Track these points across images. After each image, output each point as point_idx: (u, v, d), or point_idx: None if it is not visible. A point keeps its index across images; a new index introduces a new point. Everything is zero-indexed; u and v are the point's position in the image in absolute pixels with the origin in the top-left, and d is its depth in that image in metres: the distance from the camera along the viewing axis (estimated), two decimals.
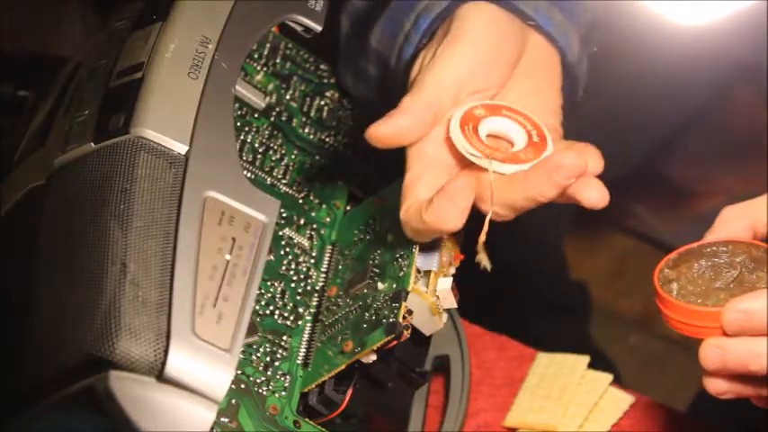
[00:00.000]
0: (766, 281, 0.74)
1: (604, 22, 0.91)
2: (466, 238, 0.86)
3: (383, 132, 0.77)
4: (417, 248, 0.82)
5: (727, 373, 0.73)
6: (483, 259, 0.80)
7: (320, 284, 0.87)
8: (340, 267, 0.87)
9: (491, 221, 0.77)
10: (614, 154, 1.31)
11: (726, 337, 0.72)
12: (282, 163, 0.90)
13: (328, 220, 0.90)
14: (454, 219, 0.75)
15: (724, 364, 0.72)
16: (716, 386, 0.74)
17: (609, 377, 0.95)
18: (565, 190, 0.76)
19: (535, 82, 0.83)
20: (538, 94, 0.83)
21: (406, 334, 0.78)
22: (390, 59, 0.86)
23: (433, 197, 0.76)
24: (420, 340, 0.83)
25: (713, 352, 0.73)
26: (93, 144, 0.76)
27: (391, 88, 0.86)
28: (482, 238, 0.78)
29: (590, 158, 0.77)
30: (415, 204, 0.77)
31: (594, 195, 0.76)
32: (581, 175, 0.76)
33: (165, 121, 0.76)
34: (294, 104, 0.93)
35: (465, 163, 0.79)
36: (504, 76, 0.81)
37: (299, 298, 0.85)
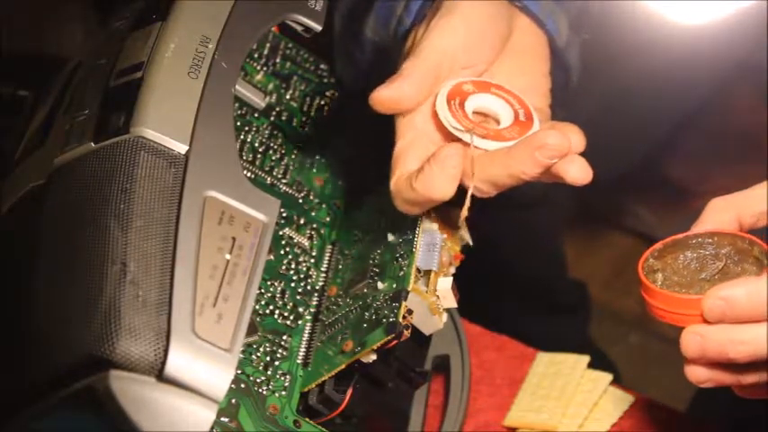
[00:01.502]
0: (750, 272, 0.74)
1: (595, 10, 0.91)
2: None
3: (386, 96, 0.77)
4: (417, 248, 0.82)
5: (708, 361, 0.73)
6: (465, 235, 0.80)
7: (320, 284, 0.87)
8: (340, 267, 0.87)
9: (473, 197, 0.77)
10: (614, 153, 1.32)
11: (706, 325, 0.73)
12: (282, 163, 0.90)
13: (328, 219, 0.90)
14: (445, 185, 0.75)
15: (704, 351, 0.72)
16: (696, 374, 0.74)
17: (609, 377, 0.95)
18: (547, 169, 0.76)
19: (522, 63, 0.83)
20: (525, 74, 0.83)
21: (406, 334, 0.78)
22: (385, 44, 0.86)
23: (423, 165, 0.76)
24: (420, 340, 0.83)
25: (693, 339, 0.73)
26: (93, 144, 0.76)
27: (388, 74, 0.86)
28: (464, 213, 0.78)
29: (572, 136, 0.77)
30: (405, 174, 0.77)
31: (577, 172, 0.77)
32: (564, 155, 0.76)
33: (165, 121, 0.76)
34: (294, 104, 0.93)
35: (451, 138, 0.79)
36: (493, 53, 0.82)
37: (299, 297, 0.85)
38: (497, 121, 0.81)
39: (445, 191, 0.75)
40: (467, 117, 0.79)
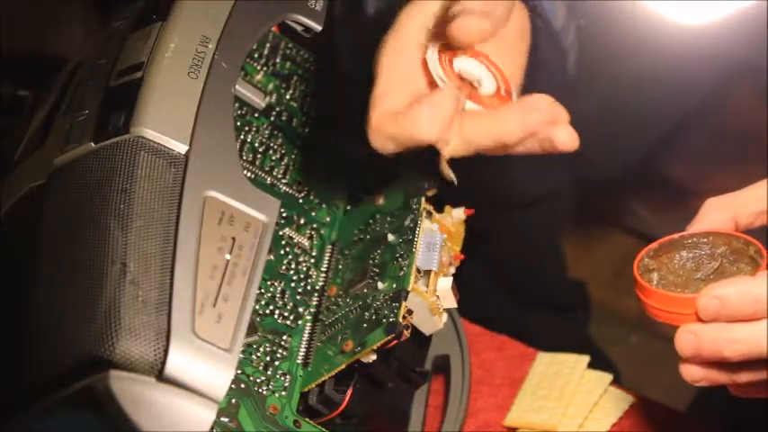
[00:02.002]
0: (746, 272, 0.74)
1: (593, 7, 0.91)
2: (466, 238, 0.86)
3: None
4: (417, 248, 0.82)
5: (702, 360, 0.73)
6: (449, 173, 0.79)
7: (320, 284, 0.87)
8: (340, 267, 0.87)
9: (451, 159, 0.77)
10: (614, 153, 1.32)
11: (701, 324, 0.73)
12: (282, 163, 0.90)
13: (328, 219, 0.90)
14: (432, 126, 0.74)
15: (698, 350, 0.72)
16: (691, 373, 0.74)
17: (609, 377, 0.95)
18: (530, 137, 0.76)
19: (509, 42, 0.83)
20: (508, 54, 0.83)
21: (406, 334, 0.78)
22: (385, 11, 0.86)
23: (412, 104, 0.75)
24: (420, 340, 0.83)
25: (688, 338, 0.73)
26: (93, 144, 0.76)
27: None
28: (443, 160, 0.77)
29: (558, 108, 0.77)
30: (390, 111, 0.76)
31: (566, 136, 0.76)
32: (552, 123, 0.75)
33: (165, 121, 0.76)
34: (294, 104, 0.93)
35: (433, 89, 0.78)
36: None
37: (299, 297, 0.85)
38: (477, 89, 0.81)
39: (431, 132, 0.74)
40: (453, 72, 0.79)
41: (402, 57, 0.78)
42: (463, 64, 0.80)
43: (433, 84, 0.78)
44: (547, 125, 0.75)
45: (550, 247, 1.39)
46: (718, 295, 0.72)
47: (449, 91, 0.75)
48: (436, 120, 0.74)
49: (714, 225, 0.77)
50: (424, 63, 0.79)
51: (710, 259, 0.76)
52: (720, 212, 0.77)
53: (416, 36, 0.78)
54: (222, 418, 0.77)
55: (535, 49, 0.90)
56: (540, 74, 0.93)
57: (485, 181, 1.16)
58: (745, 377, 0.73)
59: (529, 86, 0.95)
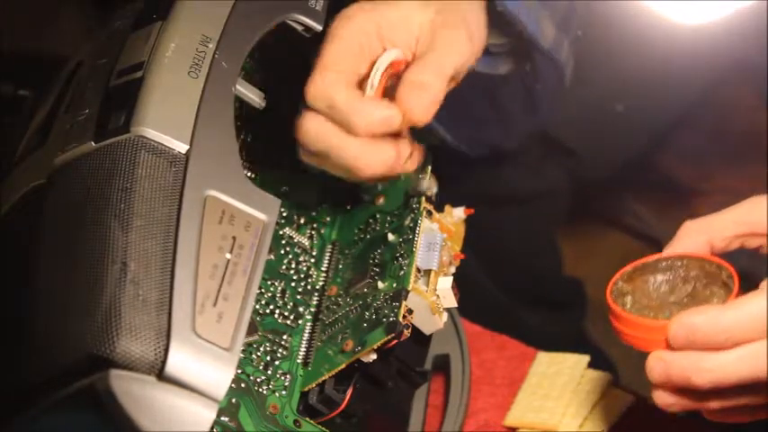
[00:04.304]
0: (719, 296, 0.75)
1: (591, 9, 0.91)
2: (466, 236, 0.86)
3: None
4: (418, 248, 0.82)
5: (673, 387, 0.73)
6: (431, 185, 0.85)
7: (320, 284, 0.87)
8: (340, 266, 0.87)
9: None
10: (614, 152, 1.31)
11: (670, 351, 0.73)
12: None
13: (328, 219, 0.90)
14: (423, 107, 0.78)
15: (668, 377, 0.73)
16: (662, 398, 0.74)
17: (609, 377, 0.95)
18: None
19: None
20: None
21: (407, 333, 0.79)
22: None
23: (351, 84, 0.78)
24: (420, 339, 0.83)
25: (658, 365, 0.73)
26: (93, 143, 0.76)
27: None
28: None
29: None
30: (331, 80, 0.78)
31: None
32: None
33: (166, 121, 0.76)
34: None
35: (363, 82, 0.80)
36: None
37: (299, 297, 0.86)
38: None
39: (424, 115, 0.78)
40: (382, 87, 0.80)
41: (361, 30, 0.79)
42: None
43: (364, 80, 0.80)
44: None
45: (546, 245, 1.39)
46: (688, 323, 0.72)
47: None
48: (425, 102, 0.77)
49: (689, 248, 0.78)
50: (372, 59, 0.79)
51: (684, 282, 0.76)
52: (696, 236, 0.78)
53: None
54: (222, 418, 0.77)
55: (527, 65, 0.91)
56: (537, 87, 0.94)
57: (480, 179, 1.16)
58: (714, 404, 0.73)
59: (527, 99, 0.96)
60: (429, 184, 0.87)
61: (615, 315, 0.76)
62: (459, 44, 0.81)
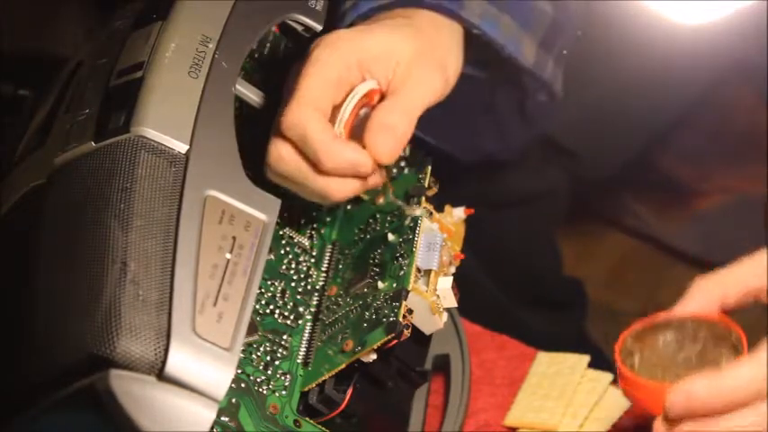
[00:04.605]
0: (728, 358, 0.75)
1: (572, 23, 0.92)
2: (466, 236, 0.86)
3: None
4: (418, 248, 0.82)
5: None
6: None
7: (320, 284, 0.87)
8: (340, 266, 0.87)
9: None
10: (614, 152, 1.31)
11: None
12: None
13: (328, 219, 0.90)
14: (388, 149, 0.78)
15: None
16: None
17: (609, 377, 0.95)
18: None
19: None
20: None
21: (407, 333, 0.79)
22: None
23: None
24: (420, 339, 0.83)
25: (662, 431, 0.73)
26: (93, 143, 0.76)
27: None
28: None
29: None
30: (318, 112, 0.78)
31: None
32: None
33: (166, 120, 0.76)
34: None
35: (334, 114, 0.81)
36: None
37: (299, 297, 0.86)
38: None
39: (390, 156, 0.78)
40: (350, 123, 0.80)
41: (339, 59, 0.79)
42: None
43: (337, 108, 0.80)
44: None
45: (546, 245, 1.39)
46: (687, 391, 0.72)
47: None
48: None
49: (701, 306, 0.77)
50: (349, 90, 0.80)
51: (694, 342, 0.76)
52: (708, 293, 0.77)
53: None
54: (222, 418, 0.77)
55: (511, 83, 0.91)
56: (527, 103, 0.94)
57: (480, 180, 1.16)
58: None
59: (520, 110, 0.96)
60: (429, 185, 0.87)
61: (622, 375, 0.77)
62: (432, 84, 0.82)
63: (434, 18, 0.83)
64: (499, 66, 0.87)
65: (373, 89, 0.81)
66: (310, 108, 0.77)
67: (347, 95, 0.80)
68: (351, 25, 0.85)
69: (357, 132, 0.80)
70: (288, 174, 0.79)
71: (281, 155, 0.78)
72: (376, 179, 0.81)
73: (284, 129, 0.78)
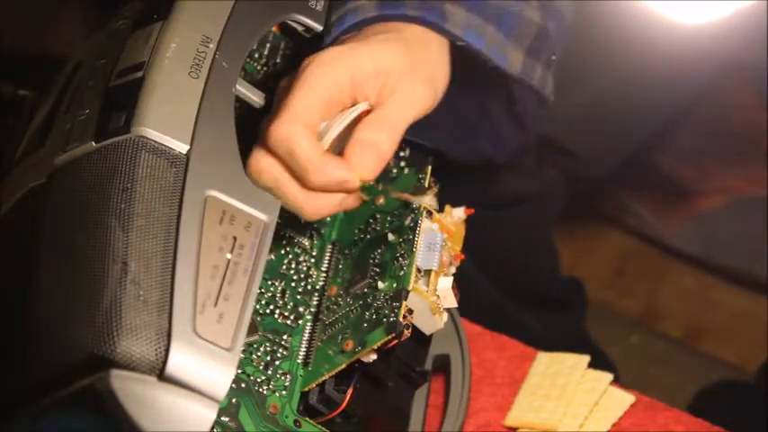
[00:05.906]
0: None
1: (563, 26, 0.92)
2: (465, 236, 0.86)
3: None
4: (418, 248, 0.82)
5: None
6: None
7: (320, 284, 0.87)
8: (340, 266, 0.87)
9: None
10: (609, 150, 1.32)
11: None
12: None
13: (329, 219, 0.90)
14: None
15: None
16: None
17: (609, 377, 0.95)
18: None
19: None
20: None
21: (407, 333, 0.79)
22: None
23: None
24: (420, 339, 0.83)
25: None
26: (93, 143, 0.76)
27: None
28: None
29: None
30: (310, 130, 0.78)
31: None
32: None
33: (166, 121, 0.76)
34: None
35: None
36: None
37: (299, 297, 0.86)
38: None
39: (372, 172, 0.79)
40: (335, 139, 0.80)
41: (332, 79, 0.79)
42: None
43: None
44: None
45: (544, 245, 1.39)
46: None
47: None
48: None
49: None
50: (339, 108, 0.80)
51: None
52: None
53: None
54: (223, 418, 0.77)
55: (499, 88, 0.92)
56: (517, 108, 0.94)
57: (478, 180, 1.16)
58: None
59: (510, 117, 0.97)
60: (429, 185, 0.87)
61: None
62: (420, 98, 0.81)
63: (421, 30, 0.83)
64: (487, 74, 0.87)
65: (365, 110, 0.81)
66: (299, 125, 0.77)
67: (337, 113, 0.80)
68: (336, 39, 0.84)
69: (338, 143, 0.80)
70: (270, 185, 0.78)
71: (262, 168, 0.78)
72: (353, 200, 0.81)
73: (271, 143, 0.77)
